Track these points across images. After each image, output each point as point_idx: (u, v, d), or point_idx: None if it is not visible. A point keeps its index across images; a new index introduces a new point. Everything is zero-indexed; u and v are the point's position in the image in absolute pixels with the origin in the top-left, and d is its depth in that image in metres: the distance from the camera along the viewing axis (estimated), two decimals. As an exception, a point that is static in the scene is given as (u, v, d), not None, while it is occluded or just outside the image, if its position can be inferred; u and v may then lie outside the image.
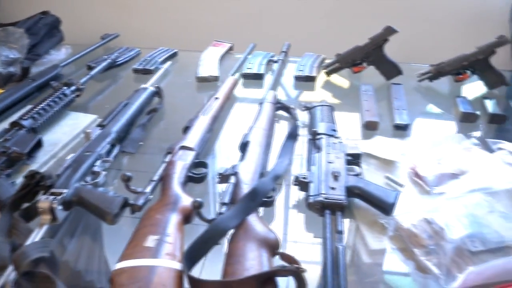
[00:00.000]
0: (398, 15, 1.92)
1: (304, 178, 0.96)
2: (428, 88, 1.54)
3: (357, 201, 0.95)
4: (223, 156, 1.18)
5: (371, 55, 1.51)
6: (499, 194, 0.94)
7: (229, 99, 1.37)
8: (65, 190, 0.85)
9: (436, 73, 1.51)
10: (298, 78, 1.55)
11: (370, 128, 1.25)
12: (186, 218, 0.82)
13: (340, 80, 1.59)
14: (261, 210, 0.91)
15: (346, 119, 1.30)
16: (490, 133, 1.29)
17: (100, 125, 1.13)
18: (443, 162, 1.05)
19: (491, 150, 1.12)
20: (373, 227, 0.91)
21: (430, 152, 1.12)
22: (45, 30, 1.80)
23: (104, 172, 0.97)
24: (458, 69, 1.49)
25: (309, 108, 1.27)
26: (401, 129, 1.25)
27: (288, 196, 1.02)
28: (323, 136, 1.10)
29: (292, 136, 1.17)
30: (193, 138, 1.07)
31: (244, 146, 1.07)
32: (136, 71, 1.61)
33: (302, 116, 1.28)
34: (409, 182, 1.04)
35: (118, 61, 1.66)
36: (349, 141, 1.11)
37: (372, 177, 1.05)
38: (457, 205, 0.91)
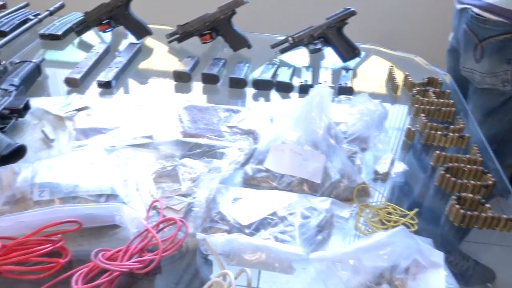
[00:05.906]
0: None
1: None
2: (180, 50, 1.54)
3: None
4: None
5: (118, 15, 1.50)
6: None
7: None
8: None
9: (183, 34, 1.51)
10: (42, 36, 1.50)
11: (71, 84, 1.24)
12: None
13: (92, 39, 1.56)
14: None
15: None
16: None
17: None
18: (93, 116, 1.07)
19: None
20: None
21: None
22: None
23: None
24: (201, 30, 1.49)
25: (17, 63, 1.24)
26: (104, 87, 1.24)
27: None
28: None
29: None
30: None
31: None
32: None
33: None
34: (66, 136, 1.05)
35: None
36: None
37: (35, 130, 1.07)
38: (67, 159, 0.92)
